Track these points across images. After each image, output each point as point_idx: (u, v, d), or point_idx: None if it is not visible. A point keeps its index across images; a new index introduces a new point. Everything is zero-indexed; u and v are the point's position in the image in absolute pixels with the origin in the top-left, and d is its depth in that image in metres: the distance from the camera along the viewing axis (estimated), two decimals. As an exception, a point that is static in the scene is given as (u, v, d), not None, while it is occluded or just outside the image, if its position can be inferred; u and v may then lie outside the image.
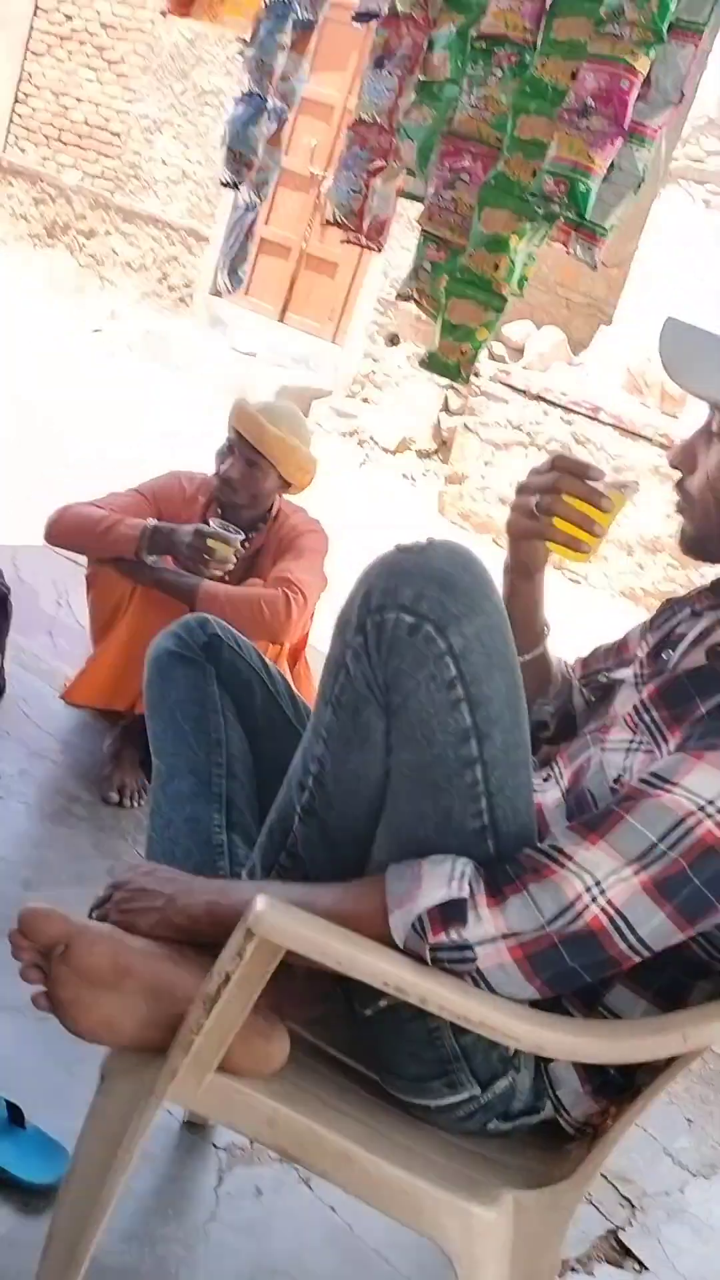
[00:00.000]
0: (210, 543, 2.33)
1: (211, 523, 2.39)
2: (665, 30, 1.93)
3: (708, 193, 7.36)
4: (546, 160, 2.06)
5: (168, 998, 1.11)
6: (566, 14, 2.07)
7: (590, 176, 2.00)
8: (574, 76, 2.05)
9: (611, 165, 2.07)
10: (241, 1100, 1.11)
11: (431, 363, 2.34)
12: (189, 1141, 1.60)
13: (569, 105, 2.02)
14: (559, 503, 1.25)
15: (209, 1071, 1.10)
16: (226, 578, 2.50)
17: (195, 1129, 1.62)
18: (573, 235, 2.11)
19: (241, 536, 2.38)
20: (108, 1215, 1.10)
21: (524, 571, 1.38)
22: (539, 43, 2.12)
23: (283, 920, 1.03)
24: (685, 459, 1.21)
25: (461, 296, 2.26)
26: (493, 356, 7.09)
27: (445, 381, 7.49)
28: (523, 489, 1.31)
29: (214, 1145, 1.61)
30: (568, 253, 2.17)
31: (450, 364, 2.32)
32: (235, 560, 2.38)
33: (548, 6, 2.09)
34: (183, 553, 2.35)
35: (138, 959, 1.12)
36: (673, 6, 1.93)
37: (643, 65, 1.95)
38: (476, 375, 6.37)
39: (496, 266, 2.20)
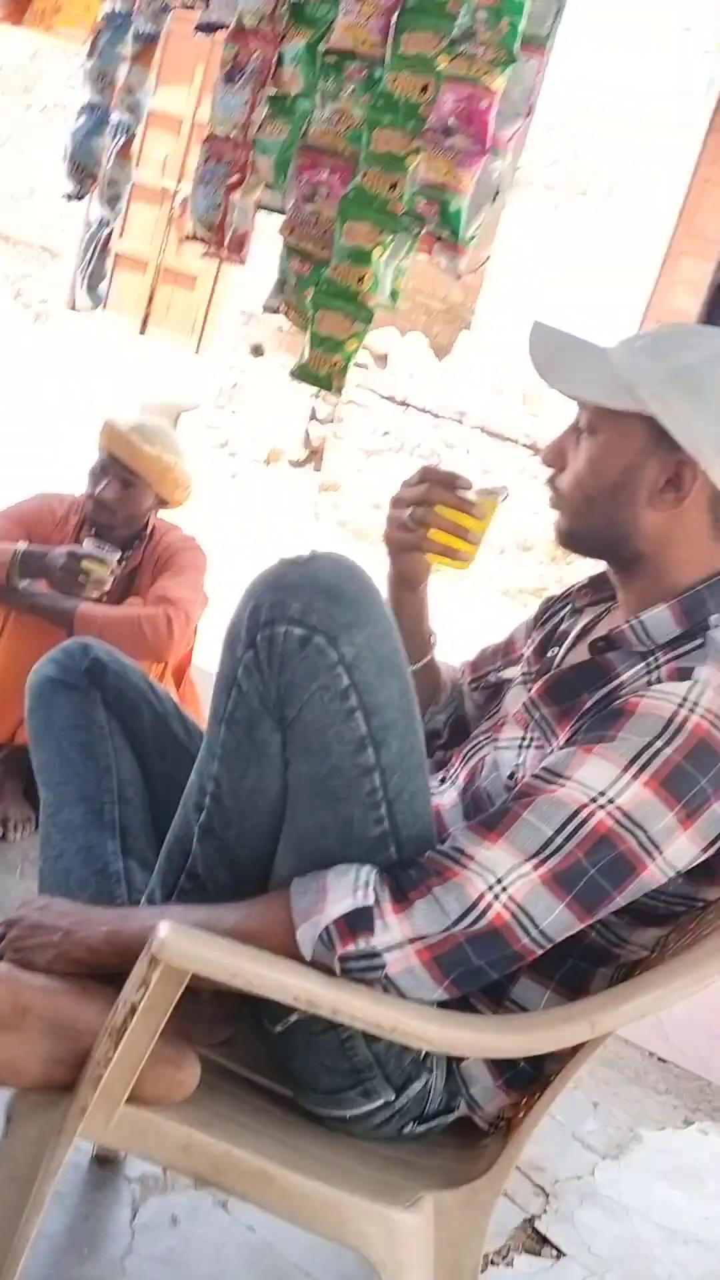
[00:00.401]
0: (85, 564, 2.28)
1: (85, 544, 2.35)
2: (517, 50, 1.99)
3: (555, 198, 7.58)
4: (415, 182, 2.10)
5: (71, 1033, 1.09)
6: (414, 30, 2.10)
7: (459, 196, 2.05)
8: (424, 91, 2.09)
9: (472, 176, 2.11)
10: (154, 1130, 1.10)
11: (302, 374, 2.35)
12: (100, 1177, 1.56)
13: (432, 125, 2.06)
14: (432, 514, 1.27)
15: (119, 1104, 1.08)
16: (104, 599, 2.45)
17: (106, 1163, 1.58)
18: (436, 246, 2.14)
19: (117, 556, 2.34)
20: (22, 1261, 1.07)
21: (407, 583, 1.40)
22: (388, 56, 2.15)
23: (187, 944, 1.02)
24: (556, 457, 1.24)
25: (328, 309, 2.27)
26: (358, 365, 7.15)
27: (313, 391, 7.52)
28: (396, 502, 1.32)
29: (126, 1178, 1.58)
30: (432, 263, 2.20)
31: (321, 375, 2.33)
32: (112, 581, 2.34)
33: (395, 22, 2.12)
34: (56, 576, 2.30)
35: (37, 996, 1.10)
36: (522, 27, 1.98)
37: (499, 85, 2.01)
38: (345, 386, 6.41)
39: (361, 279, 2.22)
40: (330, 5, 2.22)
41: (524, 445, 6.10)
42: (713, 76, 7.02)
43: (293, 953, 1.07)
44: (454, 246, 2.11)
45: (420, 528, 1.28)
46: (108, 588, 2.33)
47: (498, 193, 2.13)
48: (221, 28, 2.46)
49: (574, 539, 1.24)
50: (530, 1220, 1.73)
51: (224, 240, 2.49)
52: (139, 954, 1.03)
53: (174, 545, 2.53)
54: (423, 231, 2.14)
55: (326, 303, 2.28)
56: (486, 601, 6.13)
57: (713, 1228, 1.84)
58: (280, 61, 2.34)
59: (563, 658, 1.30)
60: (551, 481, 1.24)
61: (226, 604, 1.14)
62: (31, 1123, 1.11)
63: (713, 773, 1.05)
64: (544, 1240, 1.70)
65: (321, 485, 7.04)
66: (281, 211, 2.43)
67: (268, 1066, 1.23)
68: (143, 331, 9.53)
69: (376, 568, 1.18)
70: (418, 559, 1.35)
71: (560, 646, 1.32)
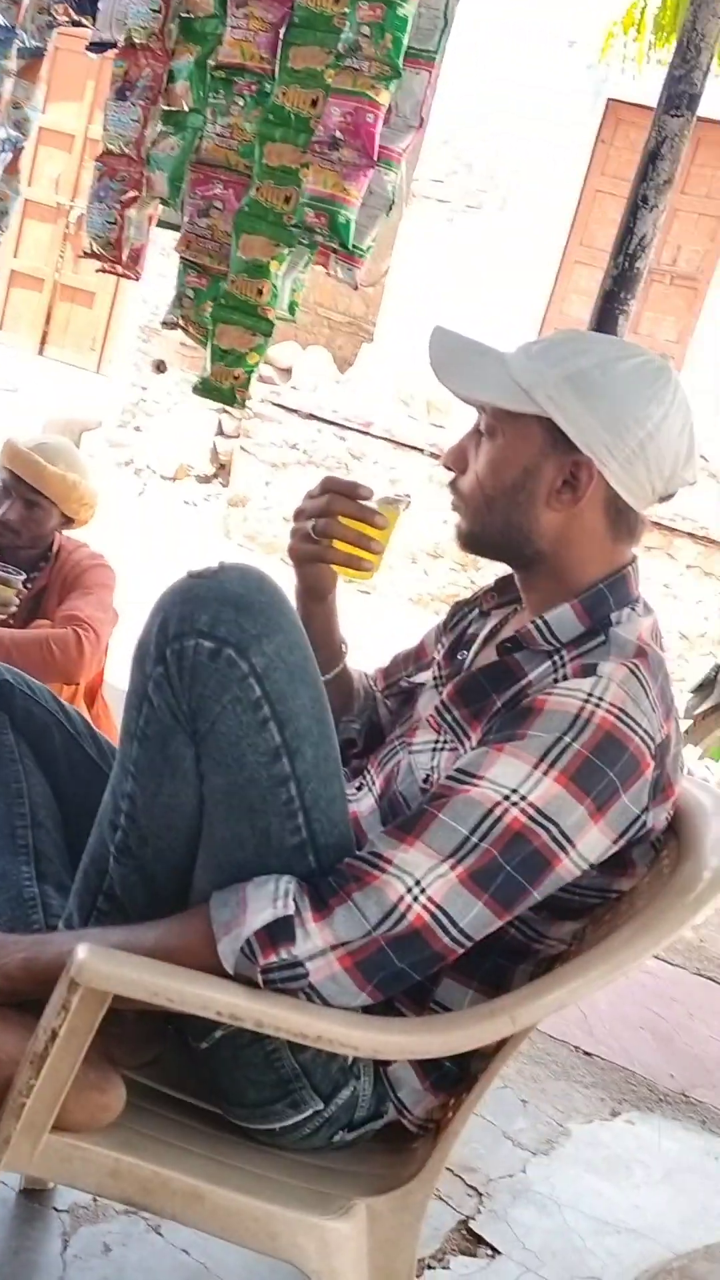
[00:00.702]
0: None
1: None
2: (401, 64, 2.02)
3: (450, 210, 7.69)
4: (303, 193, 2.11)
5: (-10, 1064, 1.07)
6: (301, 44, 2.13)
7: (347, 207, 2.07)
8: (314, 105, 2.11)
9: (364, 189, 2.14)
10: (80, 1156, 1.08)
11: (205, 389, 2.35)
12: (28, 1209, 1.53)
13: (319, 138, 2.08)
14: (334, 524, 1.28)
15: (43, 1133, 1.06)
16: (11, 621, 2.41)
17: (33, 1195, 1.55)
18: (332, 257, 2.16)
19: (23, 577, 2.31)
20: (-52, 1302, 1.05)
21: (314, 594, 1.40)
22: (277, 71, 2.16)
23: (106, 966, 1.01)
24: (457, 460, 1.26)
25: (228, 322, 2.28)
26: (262, 379, 7.15)
27: (218, 406, 7.49)
28: (298, 514, 1.33)
29: (55, 1209, 1.55)
30: (329, 274, 2.22)
31: (224, 389, 2.33)
32: (17, 602, 2.30)
33: (283, 37, 2.14)
34: None
35: (-46, 1028, 1.07)
36: (405, 42, 2.01)
37: (384, 98, 2.04)
38: (250, 399, 6.42)
39: (260, 292, 2.23)
40: (218, 21, 2.23)
41: (430, 454, 6.16)
42: (598, 89, 7.21)
43: (215, 967, 1.06)
44: (350, 257, 2.13)
45: (323, 538, 1.29)
46: (14, 609, 2.30)
47: (392, 205, 2.17)
48: (111, 46, 2.46)
49: (474, 540, 1.26)
50: (464, 1221, 1.74)
51: (121, 256, 2.48)
52: (57, 979, 1.02)
53: (81, 564, 2.50)
54: (313, 242, 2.16)
55: (226, 316, 2.28)
56: (397, 609, 6.18)
57: (642, 1215, 1.88)
58: (171, 77, 2.34)
59: (472, 660, 1.32)
60: (453, 484, 1.27)
61: (137, 623, 1.14)
62: (-47, 1158, 1.08)
63: (619, 765, 1.08)
64: (479, 1240, 1.71)
65: (230, 500, 7.02)
66: (178, 228, 2.43)
67: (194, 1084, 1.22)
68: (41, 351, 9.40)
69: (287, 580, 1.19)
70: (324, 569, 1.36)
71: (469, 649, 1.33)
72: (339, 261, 2.16)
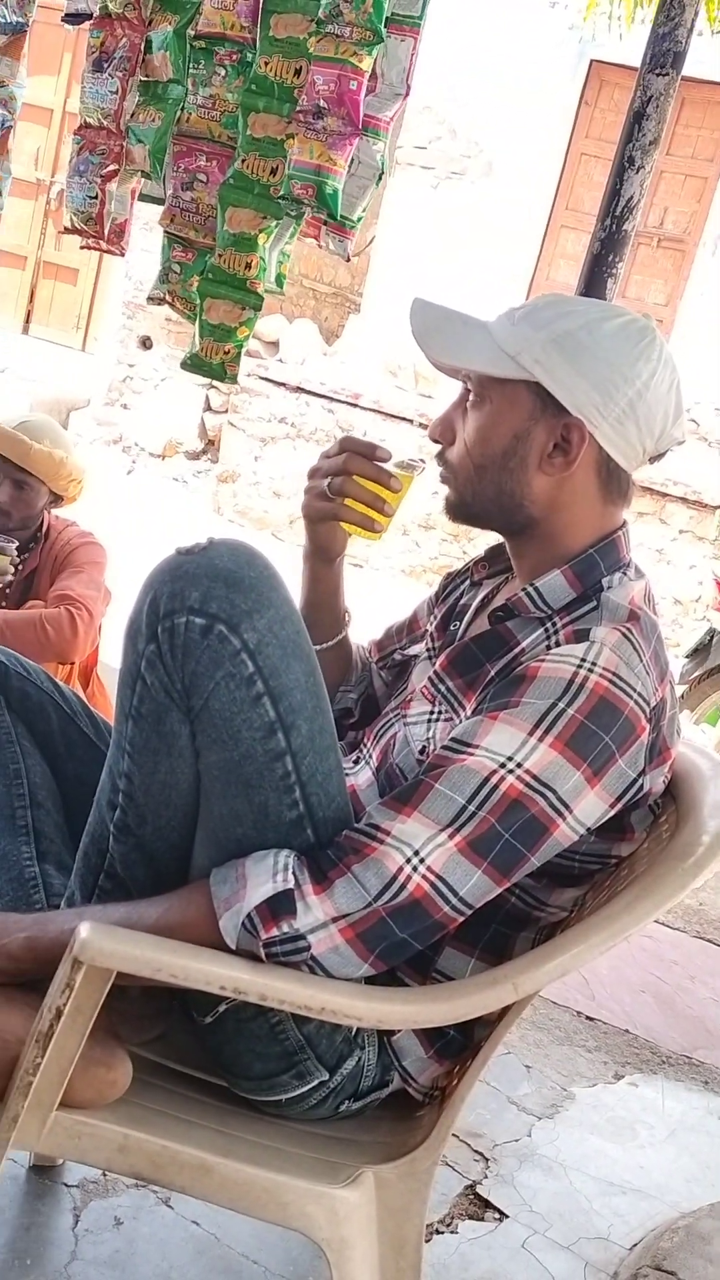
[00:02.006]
0: None
1: None
2: (383, 29, 1.99)
3: (434, 177, 7.62)
4: (289, 164, 2.08)
5: (-4, 1043, 1.07)
6: (282, 12, 2.09)
7: (334, 177, 2.05)
8: (298, 74, 2.08)
9: (352, 160, 2.11)
10: (89, 1132, 1.09)
11: (194, 364, 2.33)
12: (39, 1186, 1.54)
13: (303, 107, 2.06)
14: (350, 483, 1.28)
15: (51, 1110, 1.06)
16: (4, 603, 2.41)
17: (44, 1171, 1.56)
18: (323, 229, 2.14)
19: (15, 544, 2.30)
20: (-38, 1280, 1.06)
21: (323, 556, 1.40)
22: (258, 40, 2.13)
23: (109, 943, 1.01)
24: (445, 431, 1.26)
25: (216, 297, 2.25)
26: (249, 353, 7.11)
27: (205, 381, 7.45)
28: (314, 472, 1.33)
29: (65, 1184, 1.56)
30: (320, 246, 2.20)
31: (214, 364, 2.31)
32: (13, 572, 2.30)
33: (263, 4, 2.10)
34: None
35: (-41, 1009, 1.07)
36: (387, 6, 1.98)
37: (366, 65, 2.01)
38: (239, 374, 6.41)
39: (248, 265, 2.21)
40: (196, -12, 2.19)
41: (419, 424, 6.14)
42: (581, 50, 7.12)
43: (217, 943, 1.06)
44: (341, 229, 2.11)
45: (338, 497, 1.28)
46: (10, 577, 2.29)
47: (382, 174, 2.15)
48: (87, 17, 2.42)
49: (465, 510, 1.25)
50: (471, 1186, 1.76)
51: (104, 232, 2.45)
52: (60, 958, 1.02)
53: (71, 542, 2.49)
54: (301, 214, 2.14)
55: (214, 291, 2.26)
56: (390, 581, 6.18)
57: (647, 1176, 1.90)
58: (149, 48, 2.31)
59: (464, 630, 1.31)
60: (441, 456, 1.26)
61: (129, 602, 1.13)
62: (-38, 1138, 1.09)
63: (615, 729, 1.08)
64: (486, 1204, 1.73)
65: (219, 476, 6.99)
66: (160, 201, 2.40)
67: (200, 1058, 1.22)
68: (25, 330, 9.32)
69: (278, 556, 1.18)
70: (335, 530, 1.36)
71: (462, 620, 1.33)
72: (330, 233, 2.14)
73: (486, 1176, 1.79)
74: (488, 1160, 1.83)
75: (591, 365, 1.14)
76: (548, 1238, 1.69)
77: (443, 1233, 1.65)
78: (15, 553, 2.28)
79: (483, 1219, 1.70)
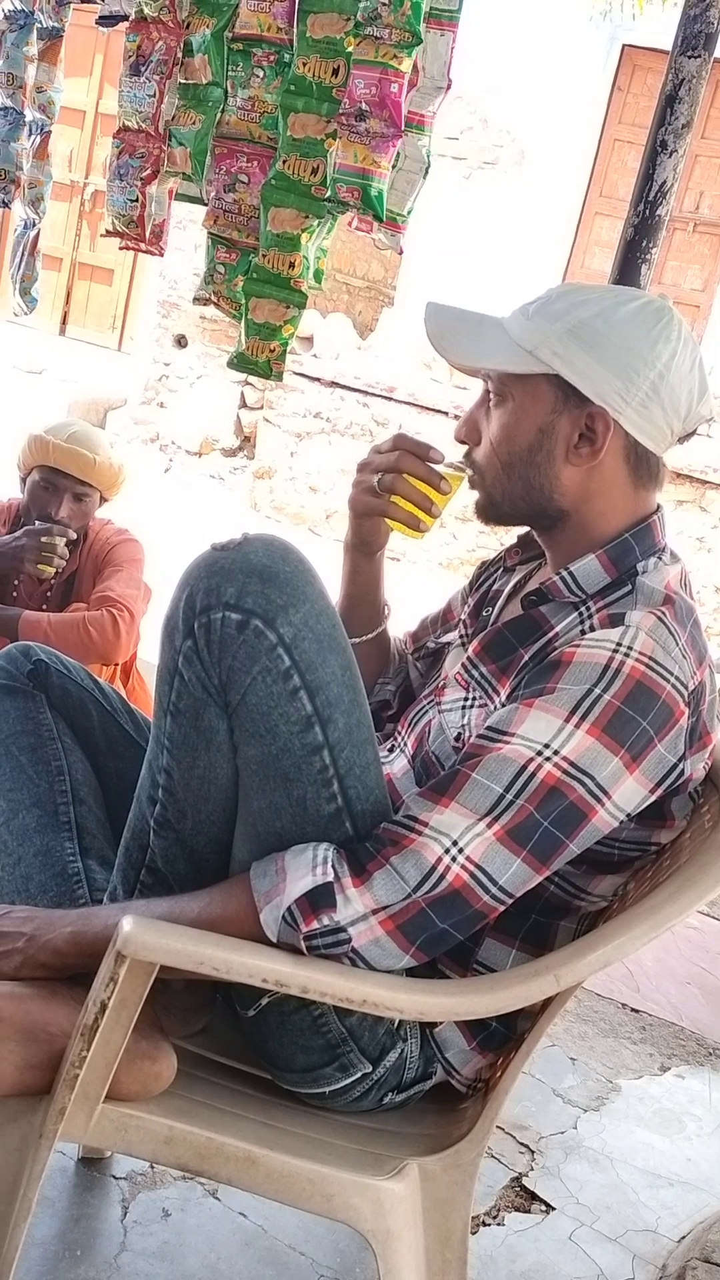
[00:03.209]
0: (44, 539, 2.26)
1: (36, 524, 2.33)
2: (421, 30, 1.99)
3: (466, 168, 7.59)
4: (333, 167, 2.10)
5: (43, 1037, 1.08)
6: (319, 12, 2.10)
7: (378, 179, 2.08)
8: (336, 74, 2.09)
9: (399, 155, 2.13)
10: (135, 1125, 1.10)
11: (241, 363, 2.35)
12: (88, 1178, 1.56)
13: (345, 110, 2.07)
14: (400, 481, 1.28)
15: (98, 1103, 1.07)
16: (46, 606, 2.43)
17: (92, 1163, 1.58)
18: (375, 224, 2.16)
19: (73, 535, 2.33)
20: (13, 1269, 1.07)
21: (365, 549, 1.40)
22: (295, 40, 2.13)
23: (152, 937, 1.02)
24: (470, 431, 1.26)
25: (261, 296, 2.27)
26: (283, 348, 7.12)
27: (240, 378, 7.48)
28: (364, 466, 1.33)
29: (113, 1177, 1.57)
30: (374, 241, 2.23)
31: (260, 362, 2.33)
32: (66, 556, 2.31)
33: (299, 5, 2.11)
34: (21, 555, 2.26)
35: (6, 1003, 1.09)
36: (424, 7, 1.99)
37: (406, 66, 2.03)
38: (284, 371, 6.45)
39: (292, 265, 2.23)
40: (233, -10, 2.20)
41: (454, 416, 6.11)
42: (612, 35, 7.06)
43: (258, 936, 1.07)
44: (394, 224, 2.13)
45: (387, 494, 1.29)
46: (66, 560, 2.31)
47: (429, 168, 2.17)
48: (123, 19, 2.43)
49: (496, 510, 1.25)
50: (518, 1178, 1.76)
51: (144, 233, 2.47)
52: (104, 952, 1.03)
53: (110, 541, 2.51)
54: (346, 214, 2.16)
55: (259, 290, 2.28)
56: (426, 574, 6.16)
57: (695, 1168, 1.89)
58: (188, 50, 2.32)
59: (497, 615, 1.31)
60: (468, 457, 1.26)
61: (168, 600, 1.14)
62: (11, 1130, 1.10)
63: (652, 714, 1.07)
64: (533, 1196, 1.73)
65: (256, 472, 7.01)
66: (198, 201, 2.41)
67: (244, 1051, 1.23)
68: (62, 331, 9.40)
69: (313, 551, 1.18)
70: (378, 524, 1.36)
71: (494, 605, 1.33)
72: (382, 228, 2.16)
73: (532, 1169, 1.79)
74: (533, 1152, 1.83)
75: (610, 352, 1.14)
76: (595, 1230, 1.68)
77: (489, 1225, 1.65)
78: (66, 549, 2.30)
79: (529, 1211, 1.70)
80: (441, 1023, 1.19)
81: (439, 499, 1.28)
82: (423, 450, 1.28)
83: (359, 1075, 1.16)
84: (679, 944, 2.63)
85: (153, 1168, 1.59)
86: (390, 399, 6.50)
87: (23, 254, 2.88)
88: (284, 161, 2.18)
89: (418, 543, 6.37)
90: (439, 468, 1.28)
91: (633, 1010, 2.33)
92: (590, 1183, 1.79)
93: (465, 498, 1.29)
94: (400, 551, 6.26)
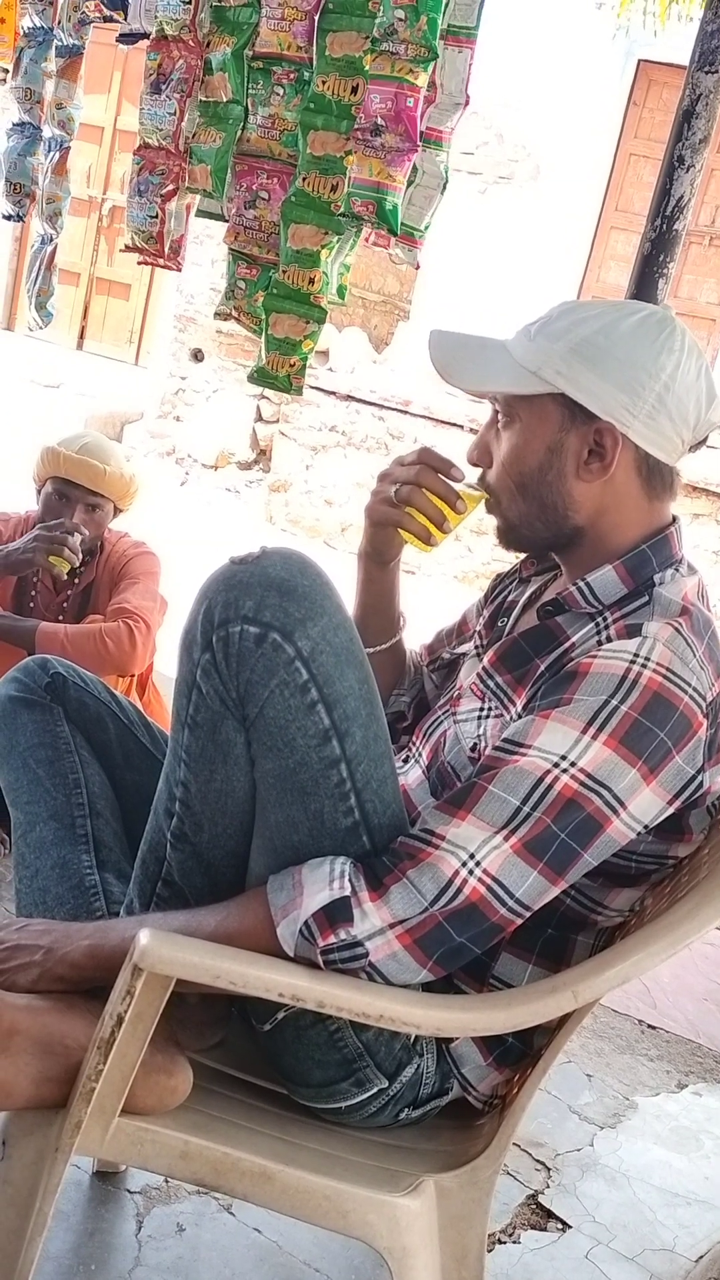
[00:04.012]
0: (55, 534, 2.27)
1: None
2: (437, 46, 2.01)
3: (482, 183, 7.61)
4: (349, 181, 2.12)
5: (60, 1050, 1.08)
6: (338, 30, 2.11)
7: (393, 193, 2.09)
8: (354, 91, 2.11)
9: (417, 171, 2.14)
10: (151, 1139, 1.09)
11: (261, 377, 2.37)
12: (102, 1192, 1.56)
13: (361, 125, 2.08)
14: (418, 494, 1.28)
15: (114, 1116, 1.07)
16: (62, 617, 2.44)
17: (106, 1178, 1.58)
18: (392, 239, 2.17)
19: (85, 536, 2.33)
20: (28, 1284, 1.07)
21: (379, 558, 1.41)
22: (314, 59, 2.15)
23: (169, 950, 1.02)
24: (481, 455, 1.27)
25: (281, 311, 2.30)
26: (299, 362, 7.14)
27: (256, 391, 7.51)
28: (385, 476, 1.34)
29: (128, 1191, 1.57)
30: (390, 256, 2.25)
31: (280, 377, 2.36)
32: (79, 558, 2.32)
33: (318, 24, 2.13)
34: (33, 550, 2.26)
35: (23, 1016, 1.09)
36: (441, 23, 2.00)
37: (422, 81, 2.05)
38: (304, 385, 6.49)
39: (311, 281, 2.25)
40: (252, 10, 2.22)
41: (470, 430, 6.12)
42: (628, 50, 7.08)
43: (275, 950, 1.07)
44: (410, 239, 2.15)
45: (404, 505, 1.29)
46: (78, 557, 2.31)
47: (446, 183, 2.18)
48: (143, 37, 2.45)
49: (516, 533, 1.26)
50: (534, 1196, 1.75)
51: (163, 249, 2.49)
52: (121, 965, 1.03)
53: (126, 553, 2.52)
54: (362, 229, 2.17)
55: (279, 305, 2.30)
56: (442, 587, 6.16)
57: (712, 1187, 1.87)
58: (208, 69, 2.34)
59: (512, 625, 1.31)
60: (482, 479, 1.26)
61: (184, 612, 1.14)
62: (28, 1144, 1.10)
63: (670, 725, 1.07)
64: (549, 1214, 1.72)
65: (271, 485, 7.03)
66: (218, 217, 2.43)
67: (259, 1065, 1.23)
68: (80, 346, 9.45)
69: (330, 565, 1.19)
70: (392, 534, 1.36)
71: (510, 616, 1.33)
72: (400, 243, 2.17)
73: (549, 1186, 1.77)
74: (550, 1170, 1.81)
75: (614, 366, 1.14)
76: (612, 1249, 1.67)
77: (505, 1242, 1.64)
78: (77, 544, 2.30)
79: (545, 1229, 1.69)
80: (458, 1038, 1.19)
81: (453, 517, 1.29)
82: (444, 466, 1.28)
83: (375, 1090, 1.16)
84: (696, 960, 2.62)
85: (167, 1182, 1.58)
86: (406, 412, 6.51)
87: (40, 269, 2.91)
88: (304, 179, 2.20)
89: (432, 556, 6.39)
90: (458, 486, 1.28)
91: (650, 1027, 2.31)
92: (607, 1201, 1.77)
93: (480, 509, 1.29)
94: (415, 565, 6.27)
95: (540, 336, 1.19)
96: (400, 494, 1.29)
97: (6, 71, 2.85)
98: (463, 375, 1.23)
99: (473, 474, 1.30)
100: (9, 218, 2.89)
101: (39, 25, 2.72)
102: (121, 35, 2.51)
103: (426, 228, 2.20)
